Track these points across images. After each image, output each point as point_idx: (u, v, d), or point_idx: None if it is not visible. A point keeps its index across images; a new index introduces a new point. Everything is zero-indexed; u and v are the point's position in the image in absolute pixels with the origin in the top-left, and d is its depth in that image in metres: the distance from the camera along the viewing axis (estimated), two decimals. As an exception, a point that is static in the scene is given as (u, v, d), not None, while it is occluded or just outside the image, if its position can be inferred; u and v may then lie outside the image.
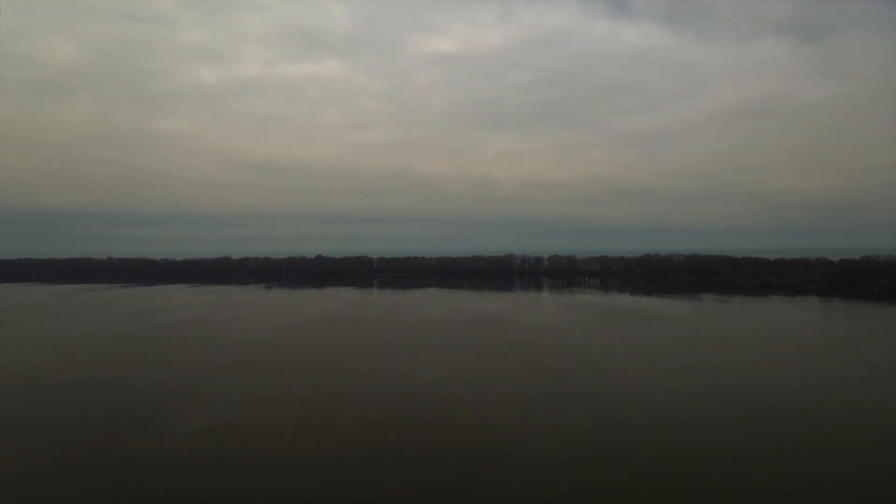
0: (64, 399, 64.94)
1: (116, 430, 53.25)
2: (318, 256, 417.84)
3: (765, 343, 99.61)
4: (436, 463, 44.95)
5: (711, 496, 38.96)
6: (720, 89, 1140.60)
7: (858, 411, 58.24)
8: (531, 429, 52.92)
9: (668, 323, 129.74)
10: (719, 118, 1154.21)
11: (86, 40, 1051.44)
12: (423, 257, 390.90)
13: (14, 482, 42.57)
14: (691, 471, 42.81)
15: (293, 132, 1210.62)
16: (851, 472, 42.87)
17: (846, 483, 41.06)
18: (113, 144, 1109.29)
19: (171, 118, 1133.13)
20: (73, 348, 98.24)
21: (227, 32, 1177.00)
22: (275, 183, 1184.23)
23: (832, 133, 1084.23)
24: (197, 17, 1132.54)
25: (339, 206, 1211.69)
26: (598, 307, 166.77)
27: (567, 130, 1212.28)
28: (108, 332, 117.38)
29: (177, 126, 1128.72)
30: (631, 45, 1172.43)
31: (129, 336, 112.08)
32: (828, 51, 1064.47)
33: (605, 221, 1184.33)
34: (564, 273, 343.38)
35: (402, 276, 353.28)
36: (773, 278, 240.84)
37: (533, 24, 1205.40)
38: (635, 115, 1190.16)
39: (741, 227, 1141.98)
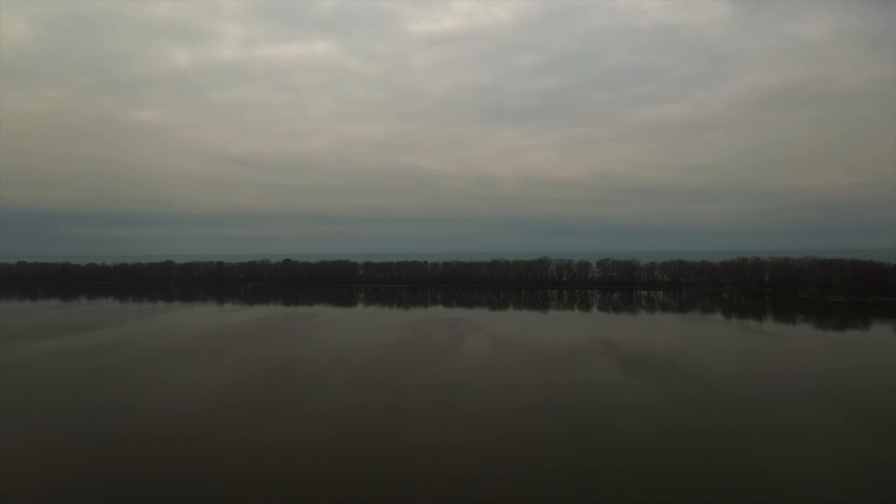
0: None
1: None
2: (286, 261, 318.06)
3: None
4: None
5: None
6: (750, 73, 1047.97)
7: None
8: None
9: None
10: (743, 108, 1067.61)
11: (38, 16, 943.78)
12: (425, 262, 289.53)
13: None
14: None
15: (280, 124, 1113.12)
16: None
17: None
18: (81, 137, 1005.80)
19: (146, 108, 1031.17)
20: None
21: (199, 5, 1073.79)
22: (262, 180, 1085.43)
23: (868, 123, 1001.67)
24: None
25: (333, 205, 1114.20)
26: None
27: (574, 123, 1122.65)
28: None
29: (152, 117, 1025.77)
30: (655, 21, 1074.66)
31: None
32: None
33: (611, 221, 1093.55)
34: (620, 284, 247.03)
35: (396, 285, 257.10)
36: None
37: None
38: (649, 104, 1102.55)
39: (772, 226, 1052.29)
